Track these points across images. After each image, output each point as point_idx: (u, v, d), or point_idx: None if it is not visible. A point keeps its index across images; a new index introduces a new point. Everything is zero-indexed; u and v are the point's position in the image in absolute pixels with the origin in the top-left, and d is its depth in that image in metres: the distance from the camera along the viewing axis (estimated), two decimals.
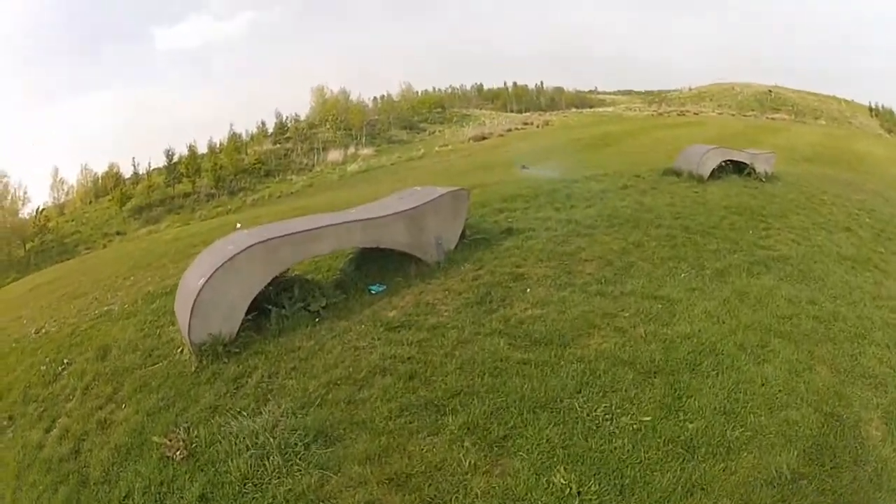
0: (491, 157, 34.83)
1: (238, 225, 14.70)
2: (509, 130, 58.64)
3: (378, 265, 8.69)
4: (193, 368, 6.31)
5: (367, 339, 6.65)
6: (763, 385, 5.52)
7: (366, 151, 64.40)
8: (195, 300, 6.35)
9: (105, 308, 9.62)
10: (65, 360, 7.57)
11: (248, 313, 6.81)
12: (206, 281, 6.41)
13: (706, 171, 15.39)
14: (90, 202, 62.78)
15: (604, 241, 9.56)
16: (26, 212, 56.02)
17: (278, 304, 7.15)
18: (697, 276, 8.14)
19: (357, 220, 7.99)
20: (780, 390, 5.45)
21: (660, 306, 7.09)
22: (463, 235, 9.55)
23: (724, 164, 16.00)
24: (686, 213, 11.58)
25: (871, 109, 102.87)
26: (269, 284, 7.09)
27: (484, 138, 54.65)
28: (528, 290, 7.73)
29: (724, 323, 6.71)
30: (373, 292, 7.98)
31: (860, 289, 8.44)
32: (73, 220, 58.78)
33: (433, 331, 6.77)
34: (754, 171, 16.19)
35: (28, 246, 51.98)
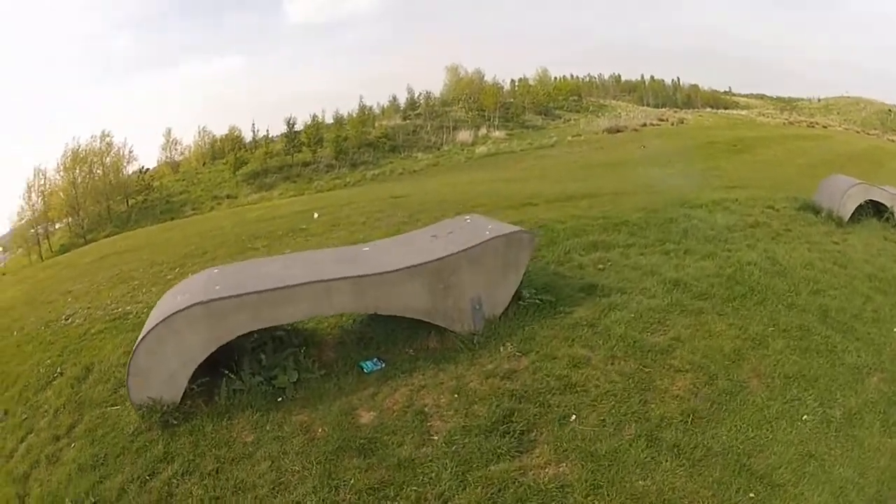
0: (621, 154, 33.00)
1: (316, 215, 14.13)
2: (644, 125, 56.25)
3: (394, 325, 6.59)
4: (132, 430, 5.43)
5: (301, 464, 4.94)
6: None
7: (497, 134, 62.07)
8: (130, 360, 5.37)
9: (128, 308, 8.69)
10: (59, 370, 6.88)
11: (203, 374, 5.61)
12: (141, 342, 5.32)
13: (847, 213, 12.78)
14: (204, 164, 62.85)
15: (714, 328, 6.94)
16: (131, 170, 57.78)
17: (238, 368, 5.71)
18: (821, 426, 5.64)
19: (345, 277, 5.83)
20: None
21: (761, 490, 4.78)
22: (519, 296, 6.99)
23: (865, 203, 13.39)
24: (825, 282, 8.84)
25: None
26: (249, 335, 5.76)
27: (618, 131, 52.42)
28: (574, 417, 5.35)
29: None
30: (365, 371, 6.06)
31: None
32: (184, 180, 59.34)
33: (398, 470, 4.80)
34: (893, 215, 13.52)
35: (131, 202, 53.56)
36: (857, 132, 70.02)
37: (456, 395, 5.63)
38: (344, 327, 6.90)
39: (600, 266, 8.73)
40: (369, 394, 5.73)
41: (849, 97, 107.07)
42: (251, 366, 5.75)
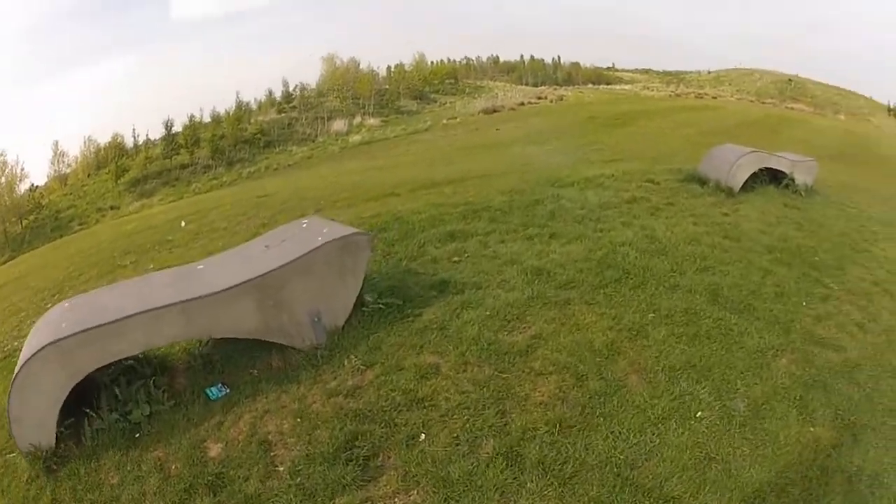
0: (496, 135, 34.60)
1: (183, 224, 14.81)
2: (522, 104, 59.73)
3: (238, 345, 6.56)
4: (26, 478, 5.52)
5: None
6: None
7: (372, 121, 65.66)
8: (7, 408, 5.59)
9: (15, 343, 8.40)
10: None
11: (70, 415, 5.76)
12: (10, 390, 5.52)
13: (738, 183, 13.05)
14: (88, 175, 64.52)
15: (582, 320, 6.66)
16: (24, 188, 59.53)
17: (97, 405, 5.86)
18: (721, 423, 5.42)
19: (172, 303, 5.89)
20: None
21: None
22: (362, 302, 6.95)
23: (759, 171, 13.79)
24: (715, 258, 8.79)
25: (889, 109, 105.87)
26: (105, 368, 5.91)
27: (495, 111, 55.72)
28: (423, 437, 5.11)
29: None
30: (211, 398, 6.04)
31: None
32: (71, 194, 61.10)
33: None
34: (793, 182, 14.10)
35: (24, 223, 54.76)
36: (751, 101, 75.84)
37: (299, 420, 5.55)
38: (191, 351, 6.78)
39: (455, 259, 8.40)
40: (216, 423, 5.72)
41: (742, 69, 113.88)
42: (108, 401, 5.90)
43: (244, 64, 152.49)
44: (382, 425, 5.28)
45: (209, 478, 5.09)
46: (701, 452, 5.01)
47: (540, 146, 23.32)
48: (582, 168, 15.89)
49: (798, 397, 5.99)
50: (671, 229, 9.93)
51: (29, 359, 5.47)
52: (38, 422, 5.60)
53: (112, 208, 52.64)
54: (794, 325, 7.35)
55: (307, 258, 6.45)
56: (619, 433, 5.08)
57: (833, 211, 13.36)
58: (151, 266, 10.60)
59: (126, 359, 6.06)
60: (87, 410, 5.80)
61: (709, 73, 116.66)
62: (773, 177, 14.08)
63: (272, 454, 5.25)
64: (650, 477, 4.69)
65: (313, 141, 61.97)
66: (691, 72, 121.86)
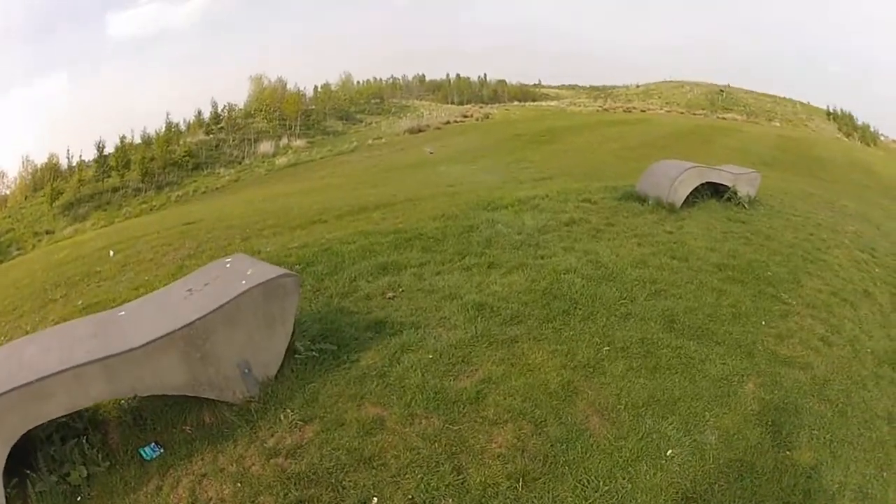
0: (422, 155, 35.57)
1: (111, 253, 14.69)
2: (447, 123, 64.28)
3: (168, 399, 6.25)
4: None
5: None
6: None
7: (298, 143, 70.27)
8: None
9: None
10: None
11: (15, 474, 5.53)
12: None
13: (680, 199, 13.32)
14: (26, 197, 67.33)
15: (533, 359, 6.59)
16: None
17: (36, 466, 5.61)
18: (694, 458, 5.45)
19: (93, 360, 5.63)
20: None
21: None
22: (294, 349, 6.71)
23: (700, 186, 14.08)
24: (665, 281, 8.90)
25: (828, 113, 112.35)
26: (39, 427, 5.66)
27: (420, 131, 59.78)
28: (375, 501, 4.89)
29: None
30: (145, 458, 5.78)
31: None
32: (9, 217, 63.36)
33: None
34: (735, 194, 14.49)
35: None
36: (682, 113, 79.27)
37: (239, 485, 5.26)
38: (121, 405, 6.47)
39: (390, 295, 8.27)
40: (154, 488, 5.44)
41: (672, 81, 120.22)
42: (45, 462, 5.68)
43: (174, 83, 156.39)
44: (329, 489, 5.01)
45: None
46: (677, 493, 5.01)
47: (467, 165, 23.94)
48: (512, 188, 16.15)
49: (770, 422, 6.09)
50: (615, 252, 10.03)
51: None
52: None
53: (47, 233, 54.86)
54: (756, 347, 7.48)
55: (231, 305, 6.19)
56: (588, 482, 5.00)
57: (779, 221, 13.77)
58: (80, 302, 10.47)
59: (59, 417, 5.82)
60: (28, 472, 5.57)
61: (637, 86, 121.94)
62: (714, 190, 14.44)
63: None
64: None
65: (240, 163, 65.59)
66: (619, 86, 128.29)
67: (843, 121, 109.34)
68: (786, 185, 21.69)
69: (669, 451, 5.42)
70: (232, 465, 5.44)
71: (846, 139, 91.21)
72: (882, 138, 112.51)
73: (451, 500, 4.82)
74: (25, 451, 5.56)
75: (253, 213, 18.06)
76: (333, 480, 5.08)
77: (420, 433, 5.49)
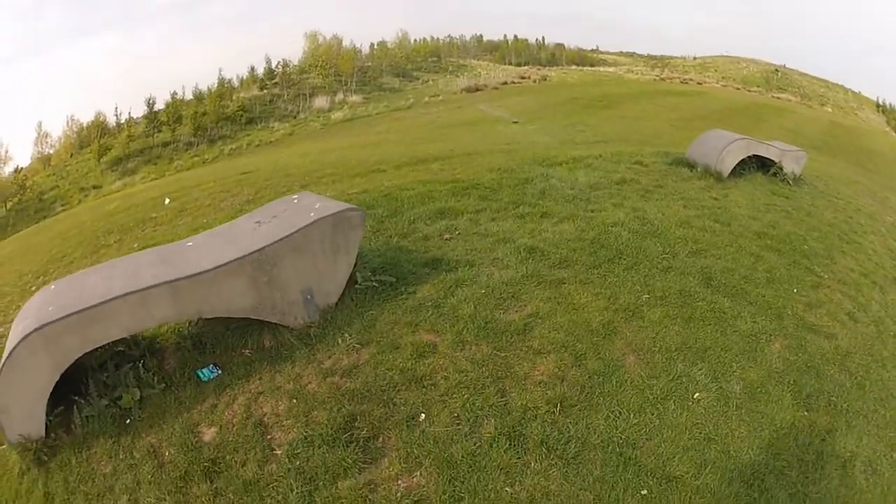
0: (478, 113, 35.18)
1: (167, 201, 14.86)
2: (505, 83, 61.63)
3: (228, 324, 6.51)
4: (17, 471, 5.45)
5: (154, 495, 4.89)
6: None
7: (354, 98, 67.38)
8: None
9: (1, 329, 8.12)
10: None
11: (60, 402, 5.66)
12: None
13: (727, 169, 13.29)
14: (71, 155, 65.72)
15: (578, 299, 6.79)
16: (8, 170, 61.14)
17: (86, 392, 5.74)
18: (718, 404, 5.62)
19: (160, 283, 5.76)
20: None
21: (655, 487, 4.68)
22: (354, 279, 6.96)
23: (748, 158, 14.07)
24: (706, 242, 9.01)
25: (878, 105, 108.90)
26: (92, 352, 5.78)
27: (478, 90, 57.92)
28: (423, 416, 5.17)
29: None
30: (202, 380, 5.96)
31: None
32: (54, 175, 61.85)
33: (245, 494, 4.75)
34: (781, 170, 14.39)
35: (8, 206, 55.18)
36: (737, 89, 77.15)
37: (295, 401, 5.49)
38: (180, 332, 6.69)
39: (447, 236, 8.48)
40: (209, 406, 5.64)
41: (728, 56, 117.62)
42: (97, 387, 5.77)
43: (228, 42, 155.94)
44: (381, 405, 5.30)
45: (205, 464, 5.03)
46: (700, 433, 5.19)
47: (524, 126, 23.55)
48: (567, 149, 16.09)
49: (792, 382, 6.23)
50: (662, 211, 10.12)
51: (14, 347, 5.34)
52: (26, 412, 5.51)
53: (95, 188, 53.28)
54: (786, 312, 7.58)
55: (300, 234, 6.39)
56: (620, 413, 5.23)
57: (822, 201, 13.60)
58: (136, 245, 10.56)
59: (115, 342, 5.98)
60: (76, 398, 5.70)
61: (694, 59, 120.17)
62: (761, 164, 14.32)
63: (269, 437, 5.22)
64: (652, 457, 4.86)
65: (295, 117, 63.03)
66: (676, 57, 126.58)
67: (893, 115, 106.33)
68: (832, 169, 21.32)
69: (697, 395, 5.62)
70: (289, 383, 5.69)
71: (895, 133, 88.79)
72: None
73: (493, 420, 5.05)
74: (68, 382, 5.66)
75: (310, 163, 18.19)
76: (385, 397, 5.35)
77: (469, 358, 5.73)
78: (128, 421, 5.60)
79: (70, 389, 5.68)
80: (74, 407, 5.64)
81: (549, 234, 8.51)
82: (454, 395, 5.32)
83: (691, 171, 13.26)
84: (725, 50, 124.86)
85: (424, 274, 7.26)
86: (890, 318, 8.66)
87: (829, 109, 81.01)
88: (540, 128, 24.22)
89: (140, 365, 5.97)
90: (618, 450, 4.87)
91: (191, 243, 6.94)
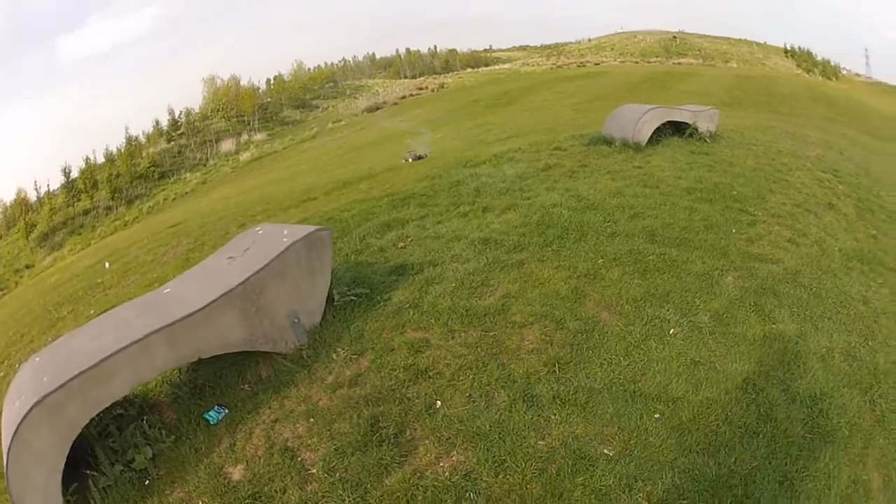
0: (383, 131, 36.62)
1: (107, 265, 15.10)
2: (403, 98, 66.35)
3: (220, 363, 6.86)
4: None
5: None
6: None
7: (258, 137, 71.36)
8: (8, 489, 5.26)
9: None
10: None
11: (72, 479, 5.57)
12: (7, 471, 5.23)
13: (644, 138, 14.59)
14: (0, 237, 65.49)
15: (541, 275, 7.81)
16: None
17: (97, 462, 5.79)
18: (694, 334, 6.69)
19: (156, 329, 5.94)
20: None
21: (664, 409, 5.62)
22: (331, 297, 7.57)
23: (662, 125, 15.35)
24: (641, 206, 10.23)
25: (786, 51, 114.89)
26: (92, 423, 5.81)
27: (378, 108, 62.34)
28: (440, 403, 5.83)
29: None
30: (212, 423, 6.24)
31: (886, 314, 8.10)
32: None
33: None
34: (696, 130, 15.70)
35: None
36: (636, 63, 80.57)
37: (312, 420, 5.90)
38: (172, 381, 6.99)
39: (401, 244, 9.34)
40: (227, 446, 5.88)
41: (623, 32, 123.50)
42: (106, 455, 5.80)
43: (131, 96, 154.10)
44: (397, 403, 5.85)
45: (245, 501, 5.23)
46: (686, 360, 6.22)
47: (434, 134, 24.69)
48: (482, 149, 17.23)
49: (753, 303, 7.39)
50: (592, 187, 11.33)
51: (17, 429, 5.24)
52: (42, 496, 5.39)
53: (27, 267, 53.64)
54: (730, 249, 8.80)
55: (279, 260, 6.81)
56: (611, 360, 6.19)
57: (741, 151, 15.07)
58: (92, 311, 10.89)
59: (112, 405, 5.95)
60: (87, 472, 5.68)
61: (589, 41, 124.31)
62: (676, 129, 15.66)
63: (300, 459, 5.51)
64: (653, 386, 5.82)
65: (205, 165, 66.26)
66: (571, 42, 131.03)
67: (802, 58, 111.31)
68: (745, 121, 22.95)
69: (672, 330, 6.67)
70: (300, 405, 6.11)
71: (806, 75, 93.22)
72: (844, 72, 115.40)
73: (503, 391, 5.84)
74: (75, 460, 5.61)
75: (235, 205, 18.77)
76: (398, 395, 5.96)
77: (462, 343, 6.55)
78: (146, 482, 5.68)
79: (79, 466, 5.68)
80: (90, 481, 5.63)
81: (497, 225, 9.56)
82: (461, 378, 6.03)
83: (610, 146, 14.57)
84: (621, 27, 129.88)
85: (393, 281, 8.03)
86: (831, 237, 9.99)
87: (734, 65, 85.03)
88: (447, 134, 25.54)
89: (143, 422, 6.14)
90: (622, 388, 5.78)
91: (168, 290, 7.26)
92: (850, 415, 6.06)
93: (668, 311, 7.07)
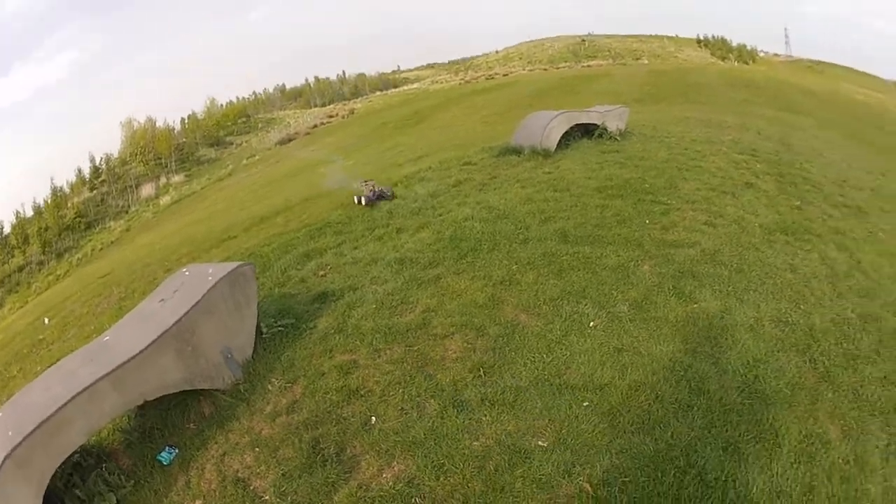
0: (297, 162, 37.54)
1: (46, 321, 15.27)
2: (315, 127, 68.20)
3: (163, 406, 7.15)
4: None
5: None
6: None
7: (177, 179, 72.09)
8: None
9: None
10: None
11: None
12: None
13: (553, 143, 14.96)
14: None
15: (458, 287, 8.17)
16: None
17: None
18: (614, 323, 7.02)
19: (101, 376, 6.23)
20: None
21: (592, 397, 5.91)
22: (259, 331, 7.88)
23: (571, 129, 15.71)
24: (552, 210, 10.62)
25: (699, 41, 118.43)
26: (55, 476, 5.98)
27: (290, 140, 64.07)
28: (374, 419, 6.13)
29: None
30: (165, 463, 6.51)
31: (817, 277, 8.50)
32: None
33: None
34: (606, 130, 16.15)
35: None
36: (545, 70, 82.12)
37: (257, 449, 6.19)
38: (122, 428, 7.22)
39: (321, 273, 9.62)
40: (183, 484, 6.17)
41: (531, 41, 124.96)
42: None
43: (54, 144, 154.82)
44: (334, 424, 6.17)
45: None
46: (609, 348, 6.54)
47: (345, 161, 25.03)
48: (394, 170, 17.64)
49: (672, 287, 7.75)
50: (503, 197, 11.71)
51: None
52: None
53: None
54: (644, 240, 9.18)
55: (206, 299, 7.12)
56: (534, 358, 6.47)
57: (653, 144, 15.63)
58: (39, 368, 10.93)
59: (73, 454, 6.26)
60: None
61: (497, 52, 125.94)
62: (585, 131, 16.12)
63: (251, 488, 5.81)
64: (578, 377, 6.11)
65: (127, 212, 66.37)
66: (479, 56, 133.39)
67: (717, 46, 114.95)
68: (658, 115, 23.73)
69: (592, 323, 6.98)
70: (244, 437, 6.39)
71: (721, 62, 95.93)
72: (762, 54, 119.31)
73: (432, 400, 6.12)
74: None
75: (160, 250, 19.04)
76: (334, 416, 6.26)
77: (389, 360, 6.84)
78: None
79: None
80: None
81: (412, 244, 9.87)
82: (391, 393, 6.32)
83: (519, 156, 14.98)
84: (528, 35, 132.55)
85: (317, 309, 8.30)
86: (751, 215, 10.47)
87: (646, 61, 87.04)
88: (360, 160, 26.01)
89: (103, 469, 6.42)
90: (548, 382, 6.08)
91: (108, 338, 7.40)
92: (789, 376, 6.38)
93: (585, 306, 7.38)
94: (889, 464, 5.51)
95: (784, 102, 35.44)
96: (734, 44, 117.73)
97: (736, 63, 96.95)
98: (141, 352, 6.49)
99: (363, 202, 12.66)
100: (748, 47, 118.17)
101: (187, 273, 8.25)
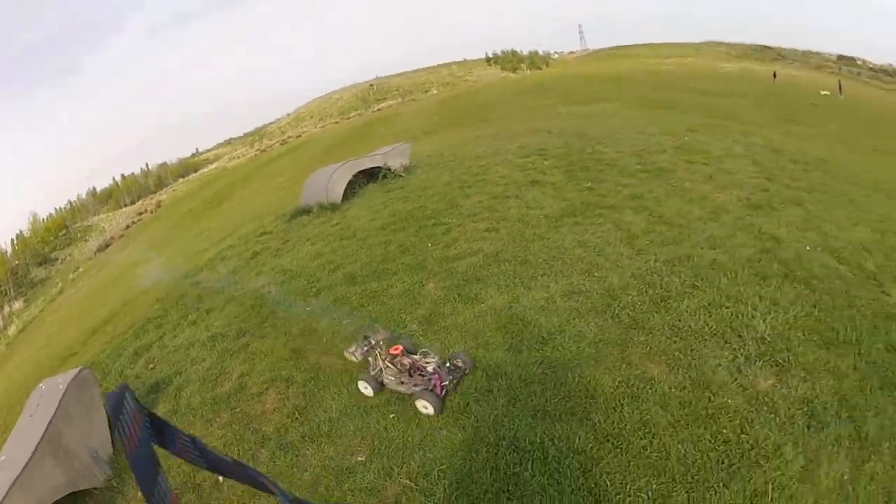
0: (117, 267, 37.99)
1: None
2: (128, 227, 69.06)
3: None
4: None
5: None
6: None
7: (17, 306, 70.76)
8: None
9: None
10: None
11: None
12: None
13: (338, 196, 15.99)
14: None
15: (264, 349, 9.11)
16: None
17: None
18: (405, 330, 8.02)
19: (11, 484, 6.66)
20: None
21: (396, 408, 6.70)
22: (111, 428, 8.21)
23: (355, 177, 16.83)
24: (340, 257, 11.70)
25: (487, 59, 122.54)
26: None
27: (108, 245, 64.64)
28: (221, 479, 6.62)
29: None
30: None
31: (610, 244, 9.59)
32: None
33: None
34: (390, 170, 17.26)
35: None
36: (336, 123, 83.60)
37: None
38: None
39: (151, 367, 10.28)
40: None
41: (320, 97, 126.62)
42: None
43: None
44: (191, 491, 6.67)
45: None
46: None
47: (158, 255, 26.20)
48: (200, 257, 18.37)
49: (458, 295, 8.78)
50: (295, 257, 12.79)
51: None
52: None
53: None
54: (427, 261, 10.24)
55: (62, 406, 7.72)
56: (340, 391, 7.42)
57: (436, 171, 16.78)
58: None
59: None
60: None
61: (288, 115, 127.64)
62: (371, 176, 17.18)
63: None
64: (381, 395, 7.05)
65: None
66: (272, 122, 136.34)
67: (507, 59, 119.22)
68: (446, 141, 25.30)
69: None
70: None
71: (513, 74, 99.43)
72: (555, 56, 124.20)
73: (263, 450, 6.90)
74: None
75: (17, 382, 18.89)
76: (190, 485, 6.77)
77: (219, 426, 7.63)
78: None
79: None
80: None
81: (221, 321, 10.94)
82: (228, 453, 6.89)
83: (309, 214, 15.95)
84: (319, 90, 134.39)
85: (153, 398, 9.02)
86: (535, 209, 11.68)
87: (435, 91, 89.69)
88: (170, 253, 26.68)
89: None
90: (356, 407, 6.99)
91: (3, 457, 7.73)
92: (590, 337, 7.14)
93: (383, 325, 8.35)
94: (742, 375, 6.10)
95: (578, 95, 38.15)
96: (525, 52, 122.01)
97: (528, 71, 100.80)
98: (31, 457, 6.94)
99: (356, 357, 8.22)
100: (540, 52, 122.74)
101: (43, 387, 8.86)
